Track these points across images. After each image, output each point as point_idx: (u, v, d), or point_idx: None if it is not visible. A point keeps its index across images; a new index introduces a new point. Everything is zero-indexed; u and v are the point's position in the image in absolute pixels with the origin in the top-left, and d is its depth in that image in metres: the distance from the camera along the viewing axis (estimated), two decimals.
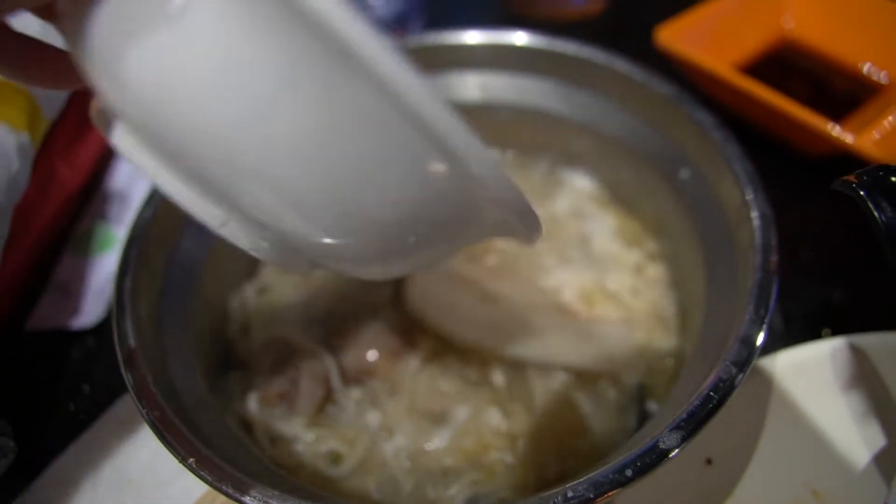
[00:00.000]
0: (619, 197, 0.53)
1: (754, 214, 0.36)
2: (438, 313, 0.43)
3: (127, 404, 0.45)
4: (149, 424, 0.32)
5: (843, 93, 0.59)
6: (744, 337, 0.32)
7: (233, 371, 0.46)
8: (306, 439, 0.43)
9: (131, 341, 0.35)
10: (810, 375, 0.38)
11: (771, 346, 0.41)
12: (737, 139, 0.41)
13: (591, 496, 0.28)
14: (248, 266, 0.51)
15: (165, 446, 0.32)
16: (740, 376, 0.31)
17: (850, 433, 0.38)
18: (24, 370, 0.49)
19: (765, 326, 0.33)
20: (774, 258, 0.35)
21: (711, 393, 0.31)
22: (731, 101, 0.57)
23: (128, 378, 0.34)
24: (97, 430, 0.44)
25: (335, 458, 0.42)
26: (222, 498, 0.30)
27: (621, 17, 0.78)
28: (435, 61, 0.52)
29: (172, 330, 0.40)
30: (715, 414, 0.30)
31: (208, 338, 0.45)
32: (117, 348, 0.35)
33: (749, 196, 0.37)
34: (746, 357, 0.32)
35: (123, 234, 0.53)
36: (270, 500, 0.29)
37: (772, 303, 0.33)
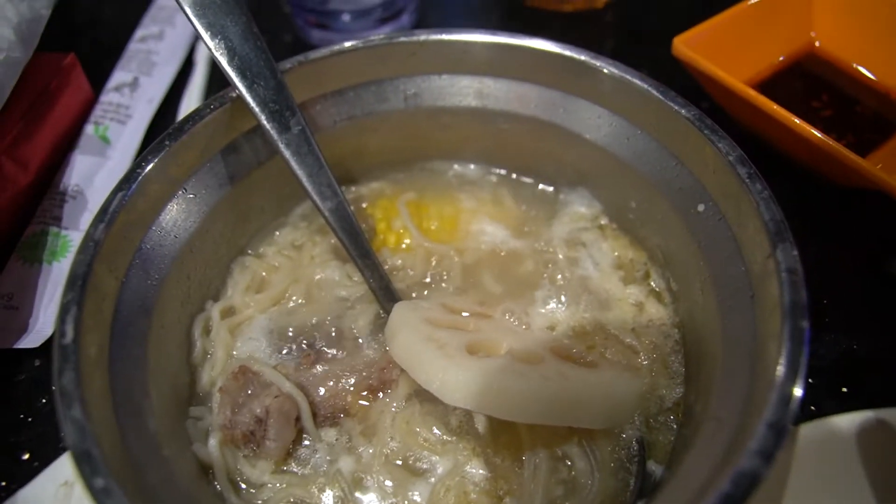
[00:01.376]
0: (623, 225, 0.48)
1: (784, 273, 0.32)
2: (414, 372, 0.38)
3: None
4: (91, 498, 0.28)
5: (871, 112, 0.54)
6: (771, 421, 0.28)
7: (194, 406, 0.41)
8: (273, 486, 0.39)
9: (74, 396, 0.30)
10: (834, 450, 0.34)
11: None
12: (762, 176, 0.36)
13: None
14: (214, 286, 0.46)
15: None
16: (765, 469, 0.27)
17: None
18: None
19: (794, 408, 0.29)
20: (805, 325, 0.31)
21: (731, 490, 0.27)
22: (749, 119, 0.52)
23: (68, 438, 0.29)
24: (36, 487, 0.39)
25: None
26: None
27: (625, 11, 0.72)
28: (427, 62, 0.47)
29: (124, 367, 0.36)
30: None
31: (166, 370, 0.40)
32: (58, 405, 0.30)
33: (778, 249, 0.33)
34: (773, 446, 0.28)
35: (77, 240, 0.49)
36: None
37: (802, 377, 0.29)
